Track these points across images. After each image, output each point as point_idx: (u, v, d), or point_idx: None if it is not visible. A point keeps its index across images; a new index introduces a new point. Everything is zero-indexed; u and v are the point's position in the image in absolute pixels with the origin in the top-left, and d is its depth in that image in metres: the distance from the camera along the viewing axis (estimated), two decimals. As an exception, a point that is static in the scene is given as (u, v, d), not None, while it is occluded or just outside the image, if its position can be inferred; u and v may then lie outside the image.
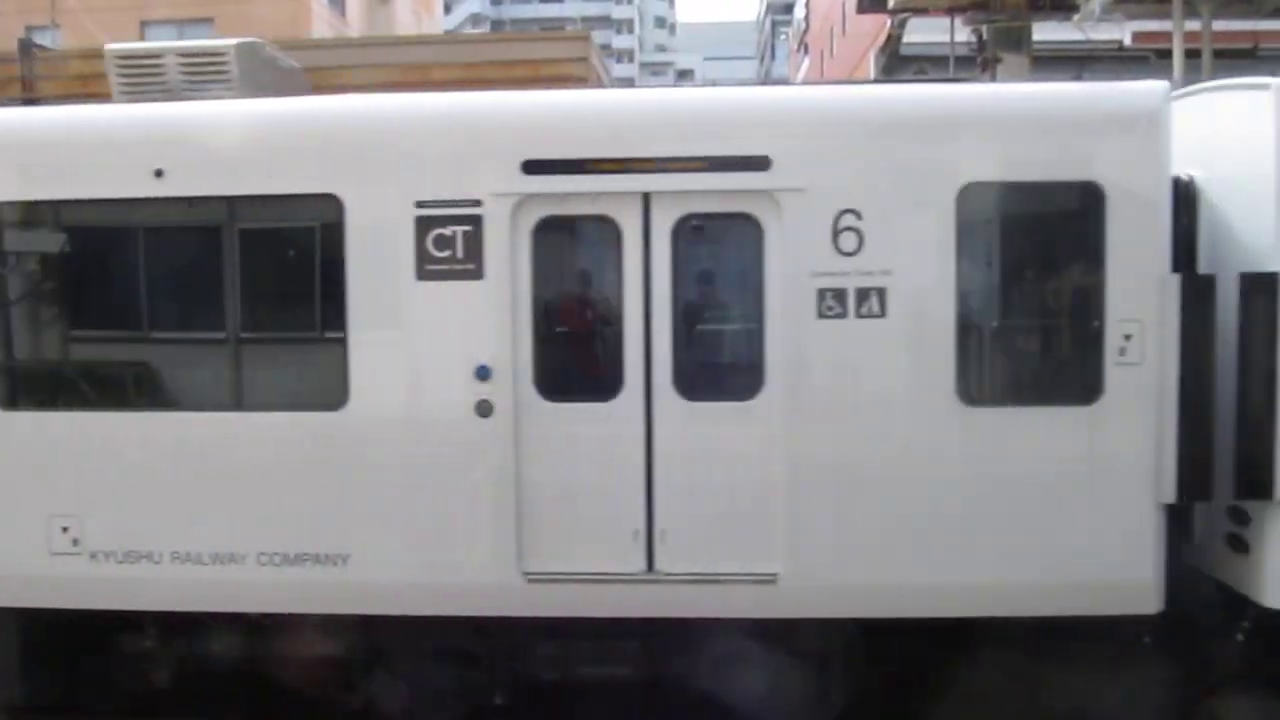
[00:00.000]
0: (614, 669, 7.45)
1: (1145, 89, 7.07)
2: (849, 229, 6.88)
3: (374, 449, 7.11)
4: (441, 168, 7.09)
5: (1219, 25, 12.58)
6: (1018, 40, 14.61)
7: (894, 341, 6.94)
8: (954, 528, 6.99)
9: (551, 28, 78.71)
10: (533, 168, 7.01)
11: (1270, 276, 6.89)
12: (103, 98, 8.42)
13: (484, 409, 7.01)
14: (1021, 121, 7.18)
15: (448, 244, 7.00)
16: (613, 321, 7.10)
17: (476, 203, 6.99)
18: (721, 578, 7.02)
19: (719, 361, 7.47)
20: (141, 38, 29.73)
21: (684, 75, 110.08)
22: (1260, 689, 7.35)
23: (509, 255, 7.00)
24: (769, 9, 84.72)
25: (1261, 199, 7.03)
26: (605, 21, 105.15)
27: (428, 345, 7.12)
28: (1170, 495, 6.95)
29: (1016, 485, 6.97)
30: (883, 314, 6.90)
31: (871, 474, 6.98)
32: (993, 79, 13.54)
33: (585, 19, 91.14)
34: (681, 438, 7.02)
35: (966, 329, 6.98)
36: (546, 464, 7.06)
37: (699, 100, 7.62)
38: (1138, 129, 6.94)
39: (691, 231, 7.08)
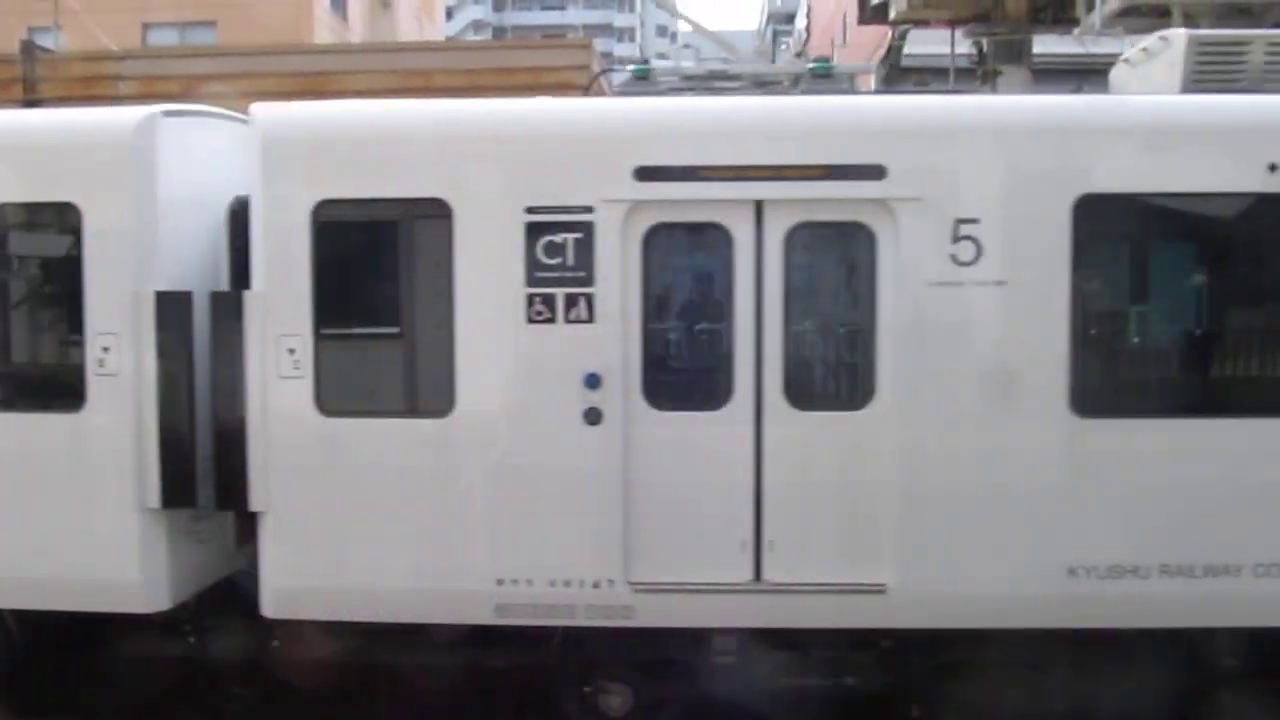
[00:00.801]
0: None
1: (126, 116, 7.64)
2: None
3: None
4: None
5: (1219, 40, 12.60)
6: (1018, 53, 14.61)
7: None
8: None
9: (553, 35, 78.90)
10: None
11: (235, 295, 7.38)
12: (104, 100, 8.46)
13: None
14: (12, 146, 7.85)
15: None
16: None
17: None
18: None
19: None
20: (143, 40, 29.78)
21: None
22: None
23: None
24: (770, 19, 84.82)
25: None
26: (607, 30, 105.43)
27: None
28: (155, 501, 7.47)
29: (11, 486, 7.59)
30: None
31: None
32: (993, 91, 13.57)
33: (587, 27, 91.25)
34: None
35: None
36: None
37: None
38: (113, 154, 7.53)
39: None
